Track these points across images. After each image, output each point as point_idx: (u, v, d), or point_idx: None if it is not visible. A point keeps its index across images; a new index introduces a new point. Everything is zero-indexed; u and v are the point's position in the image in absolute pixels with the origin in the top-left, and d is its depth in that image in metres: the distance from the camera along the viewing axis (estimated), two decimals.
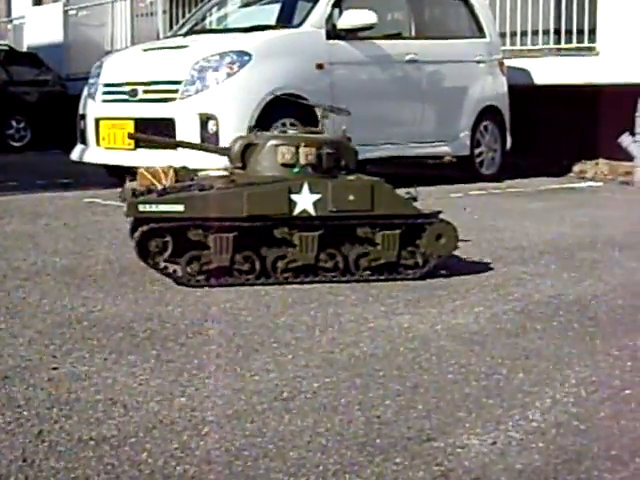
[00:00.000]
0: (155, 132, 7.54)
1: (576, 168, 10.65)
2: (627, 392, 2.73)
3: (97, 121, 8.09)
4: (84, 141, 8.38)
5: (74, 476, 2.08)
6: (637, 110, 9.60)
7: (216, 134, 7.23)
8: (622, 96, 9.83)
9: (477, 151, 9.68)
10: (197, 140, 7.25)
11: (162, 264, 4.09)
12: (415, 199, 4.33)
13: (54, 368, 2.89)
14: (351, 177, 4.29)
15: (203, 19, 9.67)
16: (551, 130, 11.09)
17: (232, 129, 7.22)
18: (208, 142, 7.21)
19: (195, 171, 4.54)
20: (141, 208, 4.04)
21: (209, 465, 2.14)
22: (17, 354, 3.03)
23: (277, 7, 9.36)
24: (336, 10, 8.28)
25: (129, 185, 4.32)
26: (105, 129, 7.98)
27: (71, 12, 16.52)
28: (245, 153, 4.34)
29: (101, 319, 3.50)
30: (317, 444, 2.28)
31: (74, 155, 8.52)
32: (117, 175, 8.38)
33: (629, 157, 9.81)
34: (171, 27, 13.89)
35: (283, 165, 4.22)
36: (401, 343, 3.22)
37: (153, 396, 2.63)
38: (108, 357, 3.01)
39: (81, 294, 3.94)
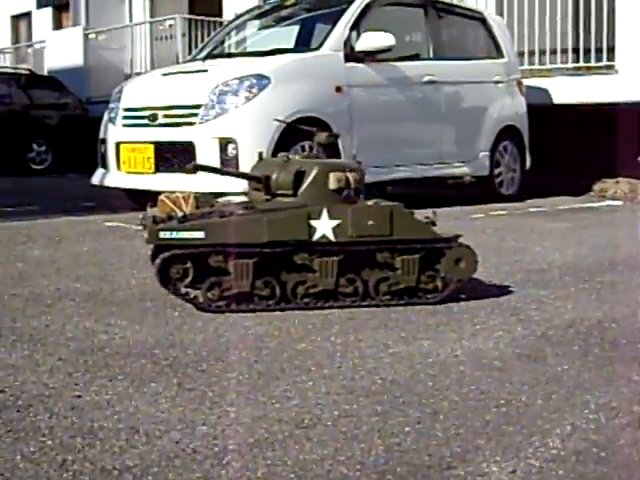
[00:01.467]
0: (175, 156, 7.62)
1: (596, 187, 10.65)
2: None
3: (117, 145, 8.16)
4: (105, 165, 8.45)
5: None
6: None
7: (236, 158, 7.29)
8: None
9: (497, 171, 9.72)
10: (216, 164, 7.30)
11: (183, 290, 4.12)
12: (434, 223, 4.34)
13: (77, 396, 2.92)
14: (370, 202, 4.31)
15: (222, 43, 9.74)
16: (571, 149, 11.10)
17: (251, 153, 7.27)
18: (227, 166, 7.27)
19: (215, 197, 4.57)
20: (162, 235, 4.07)
21: None
22: (40, 382, 3.06)
23: (295, 30, 9.44)
24: (354, 33, 8.34)
25: (150, 211, 4.36)
26: (125, 153, 8.04)
27: (91, 36, 16.68)
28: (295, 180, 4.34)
29: (123, 346, 3.53)
30: (338, 473, 2.29)
31: (95, 179, 8.59)
32: (137, 199, 8.47)
33: None
34: (190, 50, 14.00)
35: (334, 191, 4.25)
36: (421, 369, 3.23)
37: (175, 424, 2.65)
38: (130, 385, 3.04)
39: (103, 320, 3.97)
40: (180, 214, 4.24)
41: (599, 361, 3.36)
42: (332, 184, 4.23)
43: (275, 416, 2.72)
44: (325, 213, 4.13)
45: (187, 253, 4.07)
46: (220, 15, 15.66)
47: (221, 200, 4.45)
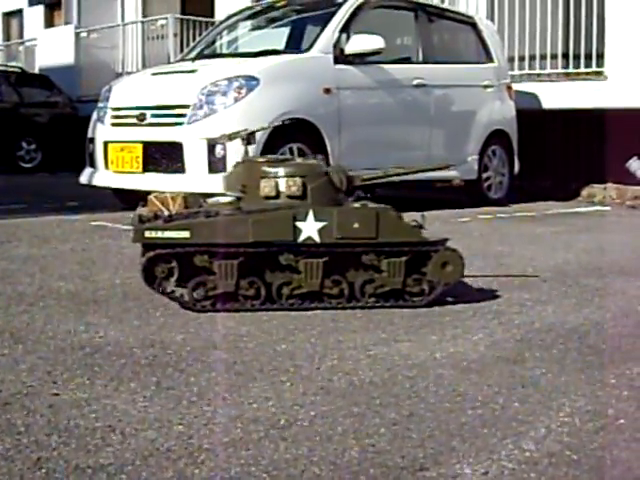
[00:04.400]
0: (163, 156, 7.62)
1: (584, 192, 10.69)
2: (621, 422, 2.74)
3: (106, 144, 8.16)
4: (93, 164, 8.44)
5: None
6: None
7: (223, 158, 7.28)
8: (630, 120, 9.87)
9: (485, 175, 9.74)
10: (204, 164, 7.30)
11: (169, 288, 4.13)
12: (422, 227, 4.34)
13: (55, 394, 2.92)
14: (357, 205, 4.31)
15: (212, 43, 9.74)
16: (559, 154, 11.13)
17: (239, 153, 7.27)
18: (215, 166, 7.28)
19: (204, 198, 4.58)
20: (147, 234, 4.08)
21: None
22: (19, 380, 3.06)
23: (286, 31, 9.45)
24: (344, 35, 8.35)
25: (139, 211, 4.37)
26: (114, 152, 8.04)
27: (82, 34, 16.67)
28: None
29: (103, 345, 3.53)
30: (311, 473, 2.30)
31: (83, 178, 8.59)
32: (125, 199, 8.46)
33: (637, 181, 9.83)
34: (182, 50, 14.00)
35: (340, 191, 4.38)
36: (399, 371, 3.24)
37: (151, 423, 2.65)
38: (109, 384, 3.04)
39: (85, 319, 3.97)
40: (166, 213, 4.25)
41: (577, 365, 3.38)
42: (339, 184, 4.35)
43: (251, 416, 2.72)
44: (311, 215, 4.14)
45: (172, 253, 4.08)
46: (212, 15, 15.66)
47: (210, 200, 4.45)
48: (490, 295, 4.63)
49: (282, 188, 4.25)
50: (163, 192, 4.60)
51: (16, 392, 2.93)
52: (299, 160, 4.81)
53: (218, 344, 3.58)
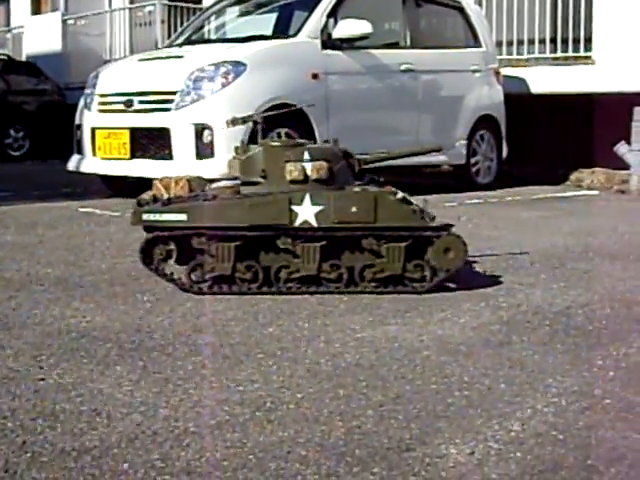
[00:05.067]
0: (151, 142, 7.60)
1: (572, 177, 10.68)
2: (607, 402, 2.75)
3: (93, 131, 8.12)
4: (80, 151, 8.41)
5: None
6: (633, 119, 9.63)
7: (211, 144, 7.26)
8: (618, 105, 9.87)
9: (473, 160, 9.73)
10: (192, 150, 7.28)
11: (168, 270, 4.18)
12: (423, 211, 4.26)
13: (41, 379, 2.91)
14: (357, 189, 4.28)
15: (199, 29, 9.70)
16: (548, 139, 11.13)
17: (227, 139, 7.27)
18: (203, 152, 7.27)
19: (209, 182, 4.59)
20: (145, 217, 4.14)
21: (188, 476, 2.17)
22: (5, 365, 3.05)
23: (274, 17, 9.41)
24: (331, 20, 8.33)
25: (144, 195, 4.40)
26: (101, 139, 8.01)
27: (70, 21, 16.59)
28: None
29: (90, 330, 3.53)
30: (297, 455, 2.30)
31: (70, 165, 8.56)
32: (113, 185, 8.44)
33: (625, 166, 9.84)
34: (169, 36, 13.94)
35: (354, 174, 4.44)
36: (386, 353, 3.24)
37: (137, 407, 2.65)
38: (95, 368, 3.04)
39: (72, 305, 3.96)
40: (165, 197, 4.29)
41: (564, 346, 3.38)
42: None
43: (237, 399, 2.72)
44: (308, 198, 4.13)
45: (171, 235, 4.12)
46: (199, 2, 15.57)
47: (214, 185, 4.45)
48: (478, 278, 4.63)
49: (309, 172, 4.24)
50: (170, 177, 4.62)
51: (2, 377, 2.92)
52: (316, 144, 4.78)
53: (205, 328, 3.58)
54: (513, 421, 2.57)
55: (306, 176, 4.23)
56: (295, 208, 4.13)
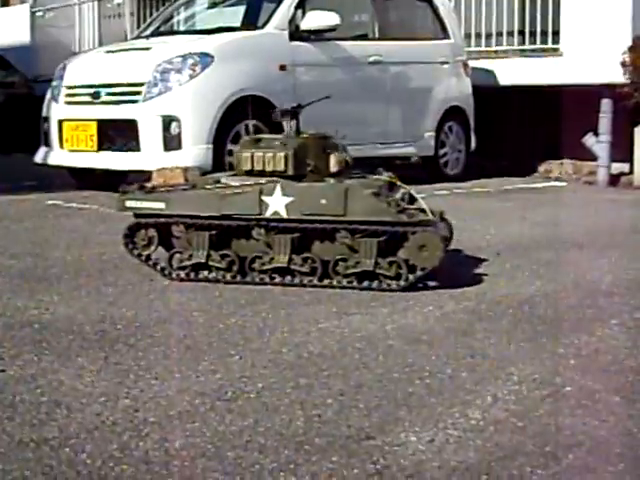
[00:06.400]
0: (118, 134, 7.56)
1: (541, 168, 10.72)
2: (567, 389, 2.76)
3: (60, 123, 8.06)
4: (47, 143, 8.35)
5: (11, 478, 2.09)
6: (600, 110, 9.68)
7: (179, 136, 7.23)
8: (586, 96, 9.91)
9: (442, 152, 9.74)
10: (160, 142, 7.25)
11: (153, 256, 4.36)
12: (399, 204, 4.10)
13: (1, 370, 2.90)
14: (332, 181, 4.21)
15: (168, 20, 9.65)
16: (517, 131, 11.16)
17: (195, 131, 7.25)
18: (171, 144, 7.23)
19: (207, 173, 4.65)
20: (127, 204, 4.35)
21: (147, 465, 2.16)
22: None
23: (242, 8, 9.37)
24: (299, 12, 8.29)
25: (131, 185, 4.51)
26: (68, 131, 7.95)
27: (38, 13, 16.44)
28: None
29: (52, 322, 3.51)
30: (256, 444, 2.30)
31: (38, 157, 8.49)
32: (80, 177, 8.39)
33: (593, 157, 9.89)
34: (139, 28, 13.87)
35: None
36: (349, 343, 3.24)
37: (97, 398, 2.64)
38: (56, 359, 3.02)
39: (35, 297, 3.94)
40: (150, 185, 4.42)
41: (526, 335, 3.40)
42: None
43: (198, 389, 2.72)
44: (278, 189, 4.12)
45: (151, 222, 4.30)
46: None
47: (214, 175, 4.53)
48: (443, 268, 4.62)
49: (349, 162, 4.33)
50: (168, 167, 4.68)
51: None
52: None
53: (168, 319, 3.57)
54: (474, 409, 2.58)
55: (347, 165, 4.30)
56: (265, 199, 4.13)
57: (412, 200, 4.26)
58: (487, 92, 10.51)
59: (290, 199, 4.12)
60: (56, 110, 8.22)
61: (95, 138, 7.69)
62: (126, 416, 2.49)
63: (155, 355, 3.07)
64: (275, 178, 4.17)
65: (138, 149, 7.41)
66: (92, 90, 7.85)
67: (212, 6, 9.89)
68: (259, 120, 7.60)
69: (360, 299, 3.94)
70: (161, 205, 4.27)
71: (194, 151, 7.22)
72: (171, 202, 4.26)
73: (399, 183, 4.32)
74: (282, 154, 4.20)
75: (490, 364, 3.01)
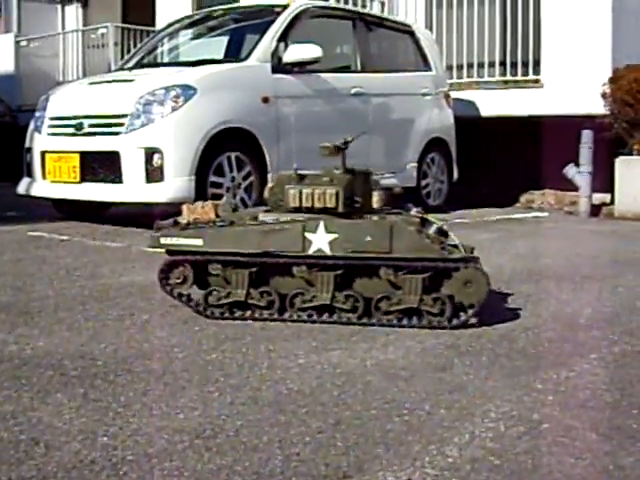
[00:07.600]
0: (101, 165, 7.57)
1: (523, 198, 10.81)
2: (545, 426, 2.78)
3: (43, 154, 8.07)
4: (30, 174, 8.35)
5: None
6: (581, 141, 9.76)
7: (161, 168, 7.25)
8: (566, 127, 10.00)
9: (424, 182, 9.81)
10: (142, 174, 7.26)
11: (185, 292, 4.26)
12: (443, 242, 4.15)
13: None
14: (375, 217, 4.16)
15: (151, 52, 9.69)
16: (498, 161, 11.25)
17: (177, 163, 7.26)
18: (153, 176, 7.24)
19: (237, 207, 4.61)
20: (162, 241, 4.22)
21: None
22: None
23: (225, 40, 9.43)
24: (282, 44, 8.34)
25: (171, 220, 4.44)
26: (51, 162, 7.96)
27: (23, 43, 16.49)
28: None
29: (32, 357, 3.51)
30: None
31: (20, 188, 8.49)
32: (63, 209, 8.40)
33: (575, 187, 9.96)
34: (122, 58, 13.91)
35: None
36: (328, 379, 3.25)
37: (76, 435, 2.64)
38: (35, 396, 3.02)
39: (16, 331, 3.93)
40: (184, 221, 4.33)
41: (505, 370, 3.41)
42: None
43: (177, 426, 2.72)
44: (322, 226, 4.07)
45: (188, 259, 4.20)
46: (153, 25, 15.58)
47: (246, 210, 4.48)
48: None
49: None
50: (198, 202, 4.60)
51: None
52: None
53: (148, 354, 3.57)
54: (451, 447, 2.59)
55: (388, 202, 4.29)
56: (309, 236, 4.09)
57: (444, 235, 4.25)
58: (469, 123, 10.60)
59: (334, 236, 4.06)
60: (39, 141, 8.23)
61: (78, 170, 7.70)
62: (104, 454, 2.49)
63: (134, 392, 3.08)
64: (318, 215, 4.12)
65: (121, 181, 7.42)
66: (75, 122, 7.87)
67: (195, 38, 9.93)
68: (241, 152, 7.64)
69: (340, 333, 3.95)
70: (198, 242, 4.15)
71: (176, 183, 7.23)
72: (209, 238, 4.15)
73: (431, 219, 4.29)
74: (333, 191, 4.15)
75: (468, 400, 3.03)
